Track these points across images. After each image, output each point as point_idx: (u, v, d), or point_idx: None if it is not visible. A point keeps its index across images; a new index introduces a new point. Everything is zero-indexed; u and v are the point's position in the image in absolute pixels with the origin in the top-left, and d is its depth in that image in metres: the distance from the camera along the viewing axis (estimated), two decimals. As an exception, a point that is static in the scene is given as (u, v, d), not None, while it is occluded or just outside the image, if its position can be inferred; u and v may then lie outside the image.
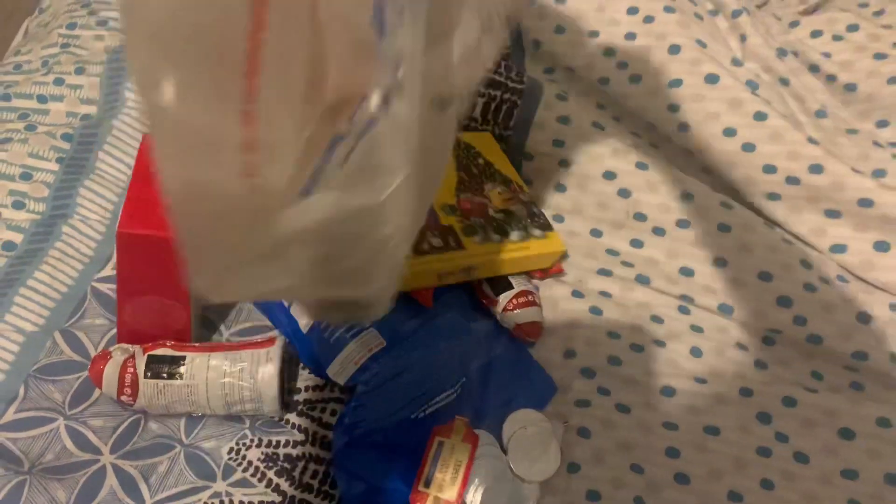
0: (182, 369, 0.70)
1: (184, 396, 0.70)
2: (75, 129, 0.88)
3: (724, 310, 0.80)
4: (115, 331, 0.77)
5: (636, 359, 0.78)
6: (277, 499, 0.68)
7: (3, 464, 0.66)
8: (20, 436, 0.69)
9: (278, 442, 0.71)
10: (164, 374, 0.69)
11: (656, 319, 0.81)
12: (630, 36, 0.91)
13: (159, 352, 0.71)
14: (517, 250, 0.81)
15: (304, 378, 0.76)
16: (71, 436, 0.70)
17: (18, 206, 0.83)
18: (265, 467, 0.69)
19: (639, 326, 0.80)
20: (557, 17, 0.94)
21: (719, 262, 0.81)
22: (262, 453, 0.70)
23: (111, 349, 0.71)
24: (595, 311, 0.81)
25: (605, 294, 0.83)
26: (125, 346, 0.72)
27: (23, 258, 0.79)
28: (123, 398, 0.70)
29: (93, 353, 0.75)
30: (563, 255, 0.86)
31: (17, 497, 0.64)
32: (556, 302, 0.82)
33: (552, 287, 0.84)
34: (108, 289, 0.80)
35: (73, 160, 0.87)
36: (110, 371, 0.69)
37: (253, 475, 0.69)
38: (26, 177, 0.84)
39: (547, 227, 0.85)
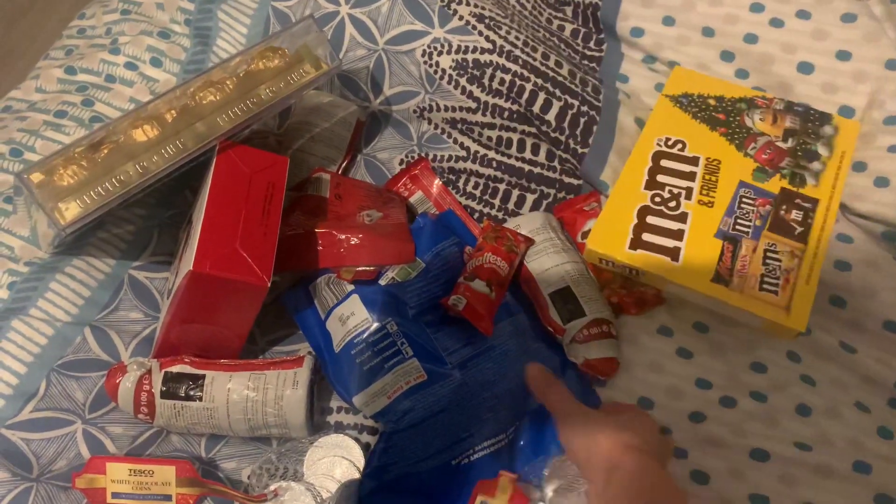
0: (201, 390, 0.63)
1: (204, 419, 0.63)
2: None
3: (846, 349, 0.66)
4: (147, 331, 0.72)
5: (725, 415, 0.66)
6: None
7: (10, 467, 0.61)
8: (34, 437, 0.64)
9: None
10: (182, 395, 0.63)
11: (758, 367, 0.68)
12: (750, 38, 0.77)
13: (177, 368, 0.64)
14: (842, 161, 0.71)
15: (337, 397, 0.68)
16: (87, 441, 0.65)
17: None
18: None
19: (734, 374, 0.68)
20: (666, 6, 0.82)
21: (835, 301, 0.67)
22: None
23: (127, 362, 0.65)
24: (684, 353, 0.69)
25: (700, 327, 0.70)
26: (141, 359, 0.66)
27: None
28: (140, 416, 0.64)
29: (123, 354, 0.70)
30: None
31: (21, 507, 0.60)
32: (637, 336, 0.70)
33: (635, 317, 0.72)
34: (146, 277, 0.75)
35: None
36: (125, 388, 0.64)
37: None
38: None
39: (826, 116, 0.74)
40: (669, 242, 0.67)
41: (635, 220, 0.69)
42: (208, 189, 0.63)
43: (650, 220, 0.69)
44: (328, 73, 0.70)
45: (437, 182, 0.80)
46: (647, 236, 0.68)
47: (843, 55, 0.74)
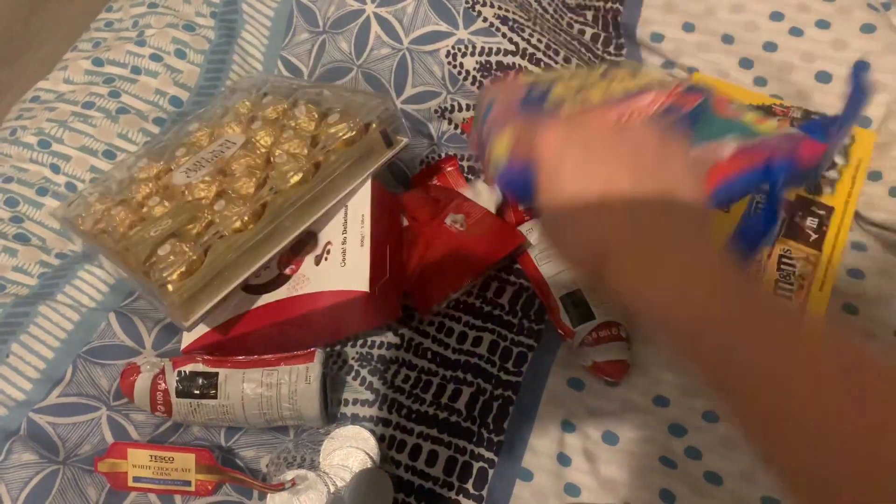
0: (215, 388, 0.64)
1: (220, 415, 0.64)
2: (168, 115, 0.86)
3: None
4: (168, 319, 0.73)
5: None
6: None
7: (37, 449, 0.63)
8: (61, 421, 0.66)
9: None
10: (197, 393, 0.64)
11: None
12: (770, 47, 0.78)
13: (190, 367, 0.65)
14: (858, 170, 0.71)
15: (354, 390, 0.69)
16: (112, 428, 0.66)
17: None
18: None
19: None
20: (686, 13, 0.83)
21: (849, 309, 0.69)
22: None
23: (140, 363, 0.66)
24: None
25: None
26: (154, 360, 0.67)
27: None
28: (158, 413, 0.65)
29: (146, 340, 0.71)
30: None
31: (48, 488, 0.61)
32: (653, 336, 0.71)
33: (648, 320, 0.73)
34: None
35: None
36: (141, 387, 0.65)
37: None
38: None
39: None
40: None
41: None
42: (369, 215, 0.66)
43: None
44: (401, 147, 0.70)
45: (465, 184, 0.81)
46: None
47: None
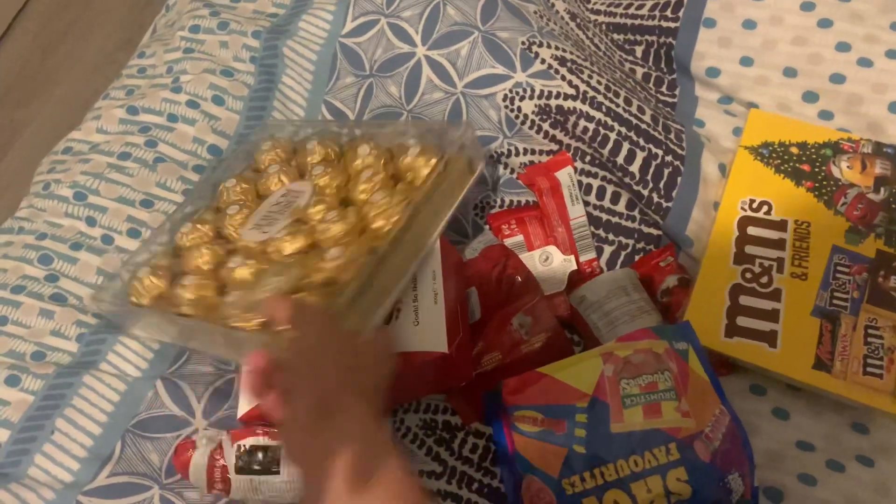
0: (278, 465, 0.59)
1: (283, 492, 0.60)
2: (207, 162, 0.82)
3: None
4: (219, 382, 0.69)
5: (834, 480, 0.62)
6: None
7: (88, 538, 0.59)
8: (111, 504, 0.61)
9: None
10: (258, 469, 0.59)
11: (860, 428, 0.64)
12: (837, 78, 0.75)
13: (250, 441, 0.60)
14: None
15: (420, 460, 0.65)
16: (164, 508, 0.62)
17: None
18: None
19: (836, 436, 0.64)
20: (744, 47, 0.79)
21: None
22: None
23: (195, 437, 0.62)
24: (780, 413, 0.66)
25: (794, 383, 0.67)
26: (210, 433, 0.62)
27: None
28: (215, 492, 0.61)
29: (195, 406, 0.67)
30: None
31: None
32: (729, 398, 0.66)
33: (725, 377, 0.68)
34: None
35: None
36: (197, 463, 0.60)
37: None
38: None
39: None
40: (765, 325, 0.64)
41: (728, 302, 0.66)
42: (440, 271, 0.63)
43: (743, 300, 0.66)
44: (480, 171, 0.69)
45: (546, 238, 0.75)
46: (741, 320, 0.65)
47: (938, 94, 0.72)
